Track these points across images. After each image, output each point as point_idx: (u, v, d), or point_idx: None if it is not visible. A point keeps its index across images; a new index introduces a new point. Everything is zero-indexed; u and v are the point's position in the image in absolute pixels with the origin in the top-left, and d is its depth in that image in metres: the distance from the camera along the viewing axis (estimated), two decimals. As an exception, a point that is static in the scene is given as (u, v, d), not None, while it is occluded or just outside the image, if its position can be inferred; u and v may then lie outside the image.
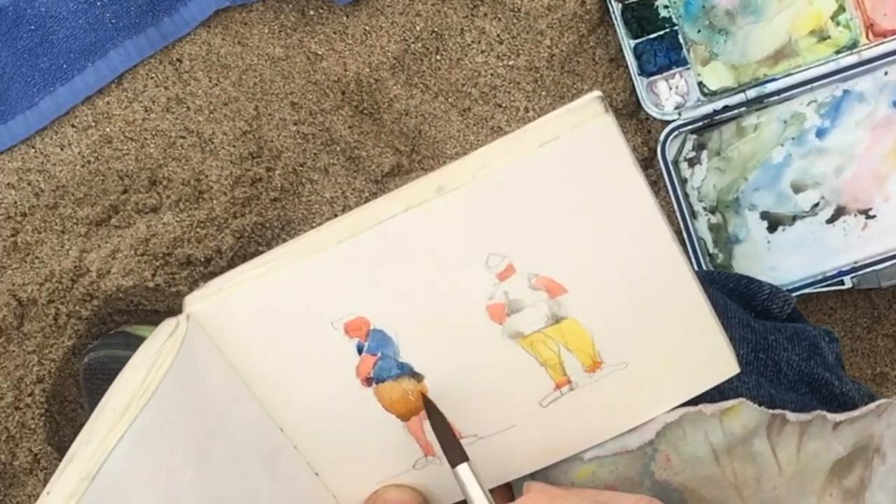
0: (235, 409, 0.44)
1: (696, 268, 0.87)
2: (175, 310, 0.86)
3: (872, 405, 0.49)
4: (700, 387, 0.47)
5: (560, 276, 0.43)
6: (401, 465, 0.47)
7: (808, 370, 0.60)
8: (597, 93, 0.39)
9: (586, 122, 0.39)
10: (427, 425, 0.46)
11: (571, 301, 0.43)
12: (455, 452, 0.45)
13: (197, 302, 0.43)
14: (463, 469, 0.44)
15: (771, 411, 0.48)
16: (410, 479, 0.48)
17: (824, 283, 0.87)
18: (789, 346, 0.60)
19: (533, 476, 0.49)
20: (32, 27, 0.87)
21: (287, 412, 0.45)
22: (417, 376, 0.45)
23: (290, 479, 0.46)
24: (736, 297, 0.65)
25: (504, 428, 0.46)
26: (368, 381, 0.45)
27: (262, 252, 0.86)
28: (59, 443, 0.97)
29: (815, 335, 0.64)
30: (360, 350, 0.44)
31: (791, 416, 0.48)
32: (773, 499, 0.48)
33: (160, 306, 0.93)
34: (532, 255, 0.42)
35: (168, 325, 0.43)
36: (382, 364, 0.45)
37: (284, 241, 0.96)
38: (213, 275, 0.94)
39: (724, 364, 0.47)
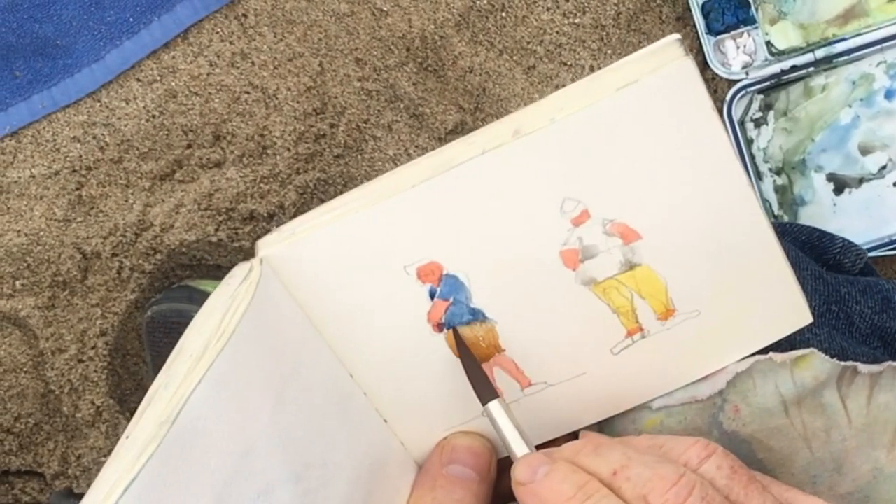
0: (308, 354, 0.44)
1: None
2: (238, 264, 0.94)
3: None
4: (773, 336, 0.46)
5: (635, 222, 0.43)
6: (470, 412, 0.47)
7: (880, 323, 0.59)
8: (676, 35, 0.38)
9: (666, 65, 0.39)
10: (498, 372, 0.46)
11: (646, 247, 0.43)
12: (485, 390, 0.45)
13: (270, 246, 0.43)
14: (494, 406, 0.44)
15: (842, 363, 0.47)
16: (480, 426, 0.47)
17: (891, 247, 0.86)
18: (862, 300, 0.60)
19: (601, 425, 0.49)
20: (100, -20, 0.87)
21: (357, 358, 0.45)
22: (489, 322, 0.45)
23: (359, 426, 0.46)
24: (808, 250, 0.64)
25: (574, 375, 0.46)
26: (440, 327, 0.45)
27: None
28: (121, 396, 0.98)
29: (888, 289, 0.63)
30: (432, 295, 0.44)
31: (862, 367, 0.47)
32: (842, 451, 0.47)
33: (223, 261, 0.94)
34: (607, 201, 0.42)
35: (241, 269, 0.43)
36: (454, 310, 0.44)
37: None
38: (276, 232, 0.95)
39: (797, 313, 0.46)
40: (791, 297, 0.45)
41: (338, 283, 0.43)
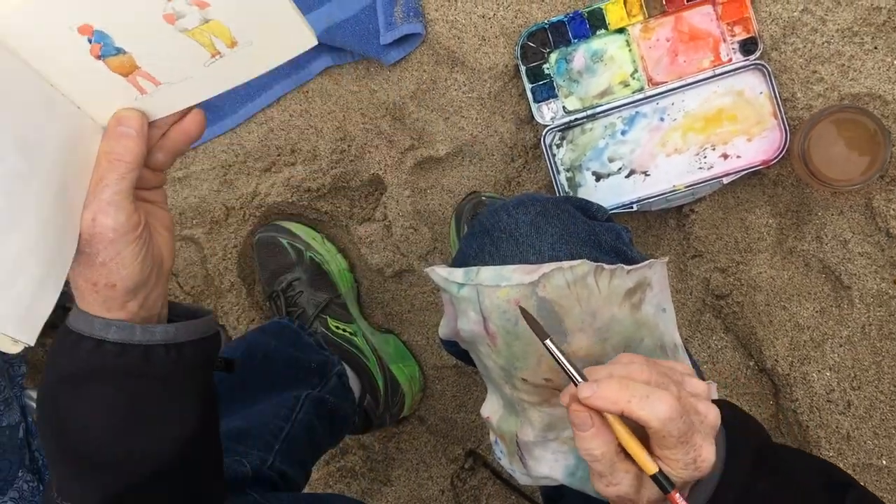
0: (22, 84, 0.49)
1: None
2: (305, 215, 1.24)
3: (646, 262, 0.59)
4: (294, 52, 0.53)
5: None
6: (127, 99, 0.54)
7: (616, 245, 0.67)
8: None
9: None
10: (140, 79, 0.52)
11: (213, 11, 0.49)
12: (540, 331, 0.51)
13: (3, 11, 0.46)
14: (549, 343, 0.50)
15: (595, 264, 0.56)
16: (135, 105, 0.55)
17: (623, 208, 1.15)
18: (606, 234, 0.68)
19: (480, 298, 0.56)
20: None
21: (60, 77, 0.51)
22: (129, 54, 0.51)
23: (63, 115, 0.52)
24: (580, 210, 0.74)
25: (186, 77, 0.53)
26: (99, 57, 0.50)
27: (347, 187, 1.22)
28: (244, 277, 1.31)
29: (619, 228, 0.74)
30: (90, 41, 0.49)
31: (606, 266, 0.56)
32: (596, 307, 0.57)
33: (294, 211, 1.25)
34: None
35: None
36: (105, 49, 0.50)
37: (358, 183, 1.19)
38: (321, 198, 1.22)
39: (307, 39, 0.52)
40: (301, 34, 0.51)
41: (42, 38, 0.49)
